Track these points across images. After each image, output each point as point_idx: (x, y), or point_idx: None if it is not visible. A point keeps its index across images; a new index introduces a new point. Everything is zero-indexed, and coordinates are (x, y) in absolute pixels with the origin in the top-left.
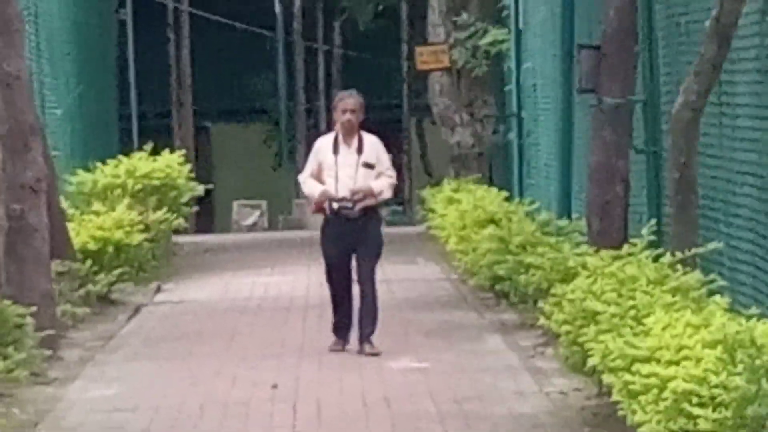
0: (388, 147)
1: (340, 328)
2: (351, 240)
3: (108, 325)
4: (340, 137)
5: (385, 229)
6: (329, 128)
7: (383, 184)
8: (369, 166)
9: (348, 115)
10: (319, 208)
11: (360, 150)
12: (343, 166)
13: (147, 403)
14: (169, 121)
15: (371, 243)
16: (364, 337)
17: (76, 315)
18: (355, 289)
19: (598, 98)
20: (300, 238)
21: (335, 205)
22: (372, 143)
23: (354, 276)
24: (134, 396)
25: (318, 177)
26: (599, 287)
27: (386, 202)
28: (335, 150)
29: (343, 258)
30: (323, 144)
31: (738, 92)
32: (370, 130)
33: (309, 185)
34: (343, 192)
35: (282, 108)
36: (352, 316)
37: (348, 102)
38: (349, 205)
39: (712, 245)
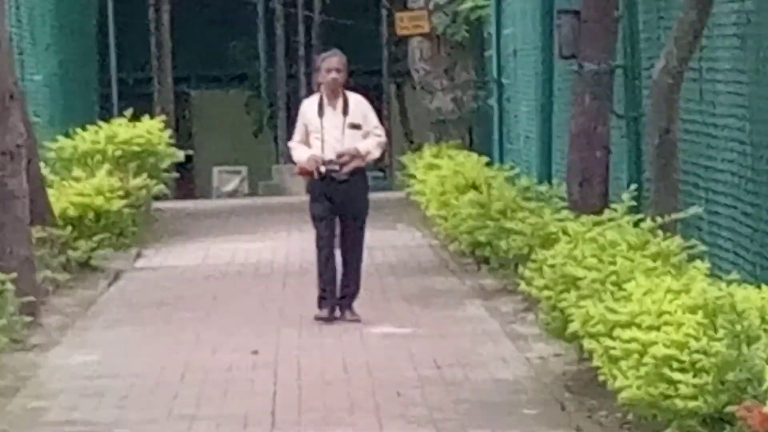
0: None
1: (325, 298)
2: (337, 202)
3: (88, 291)
4: (325, 99)
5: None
6: (310, 93)
7: (370, 144)
8: (356, 126)
9: (333, 74)
10: (304, 171)
11: (345, 110)
12: (329, 128)
13: (127, 370)
14: (149, 87)
15: (358, 207)
16: (345, 304)
17: (57, 281)
18: (338, 256)
19: (579, 64)
20: (280, 203)
21: (323, 168)
22: (358, 102)
23: (337, 242)
24: (115, 362)
25: (305, 140)
26: (580, 252)
27: (367, 167)
28: (320, 112)
29: (329, 220)
30: (308, 106)
31: (718, 57)
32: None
33: (298, 151)
34: (330, 154)
35: (262, 74)
36: (336, 284)
37: (332, 61)
38: (337, 167)
39: (692, 210)
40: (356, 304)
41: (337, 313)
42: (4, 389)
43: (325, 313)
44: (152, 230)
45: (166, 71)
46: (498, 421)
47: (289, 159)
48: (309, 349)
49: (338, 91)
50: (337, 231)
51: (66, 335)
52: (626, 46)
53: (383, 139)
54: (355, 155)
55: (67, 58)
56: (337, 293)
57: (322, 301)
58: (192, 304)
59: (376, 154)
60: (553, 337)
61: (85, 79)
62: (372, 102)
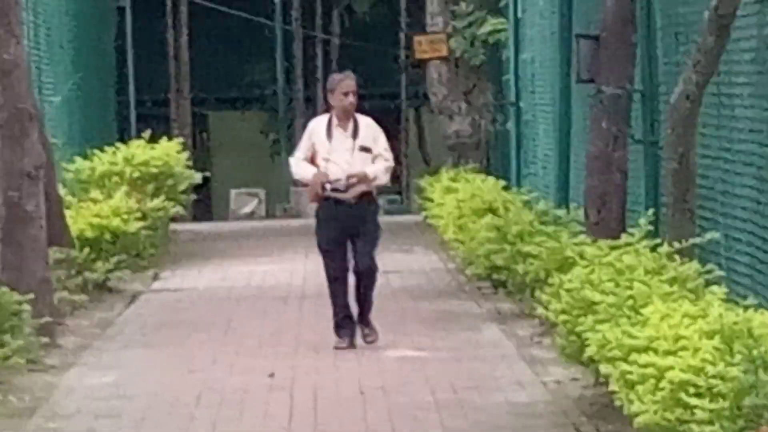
0: (387, 136)
1: (343, 327)
2: (346, 227)
3: (105, 312)
4: (335, 120)
5: (382, 218)
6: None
7: (378, 168)
8: (366, 149)
9: (351, 98)
10: (317, 197)
11: (356, 133)
12: (338, 151)
13: (144, 391)
14: (167, 109)
15: (367, 232)
16: (362, 321)
17: (74, 302)
18: (351, 280)
19: (597, 88)
20: (297, 226)
21: (328, 186)
22: (368, 126)
23: (350, 266)
24: (131, 383)
25: (312, 161)
26: (597, 277)
27: (382, 190)
28: (329, 134)
29: (338, 246)
30: (317, 126)
31: (736, 83)
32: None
33: (301, 167)
34: (336, 174)
35: (280, 96)
36: (352, 315)
37: (349, 84)
38: (342, 188)
39: (709, 235)
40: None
41: (357, 340)
42: (20, 410)
43: (345, 342)
44: (169, 252)
45: (184, 93)
46: None
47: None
48: (325, 372)
49: (350, 114)
50: (349, 255)
51: (83, 356)
52: (644, 71)
53: (391, 163)
54: (363, 179)
55: (85, 80)
56: (354, 317)
57: (339, 330)
58: (208, 326)
59: (383, 179)
60: (570, 361)
61: (103, 100)
62: (390, 125)
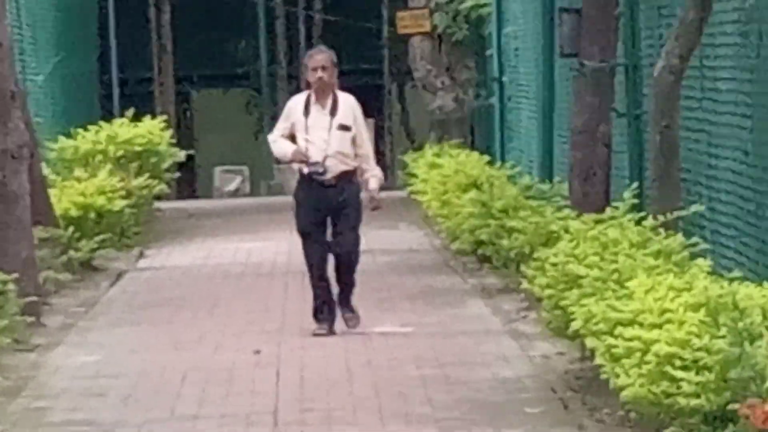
0: (370, 112)
1: (322, 312)
2: (326, 209)
3: (90, 291)
4: (313, 97)
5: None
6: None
7: (376, 183)
8: (345, 128)
9: (319, 73)
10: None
11: (334, 111)
12: (316, 128)
13: (130, 369)
14: (150, 87)
15: (349, 214)
16: (342, 301)
17: (59, 281)
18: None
19: (580, 62)
20: (282, 203)
21: (305, 170)
22: (348, 103)
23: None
24: (117, 362)
25: (291, 139)
26: (582, 251)
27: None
28: (306, 111)
29: (317, 228)
30: (295, 103)
31: (719, 55)
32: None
33: (279, 145)
34: (316, 156)
35: (263, 74)
36: (332, 299)
37: (318, 59)
38: (321, 169)
39: (694, 208)
40: (358, 302)
41: (336, 328)
42: (6, 389)
43: (324, 329)
44: (154, 230)
45: (167, 71)
46: (501, 420)
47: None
48: (311, 349)
49: (327, 89)
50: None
51: (68, 335)
52: (627, 44)
53: (380, 174)
54: (377, 204)
55: (68, 58)
56: (334, 301)
57: (319, 315)
58: (194, 304)
59: (380, 176)
60: (556, 335)
61: (86, 79)
62: (373, 101)
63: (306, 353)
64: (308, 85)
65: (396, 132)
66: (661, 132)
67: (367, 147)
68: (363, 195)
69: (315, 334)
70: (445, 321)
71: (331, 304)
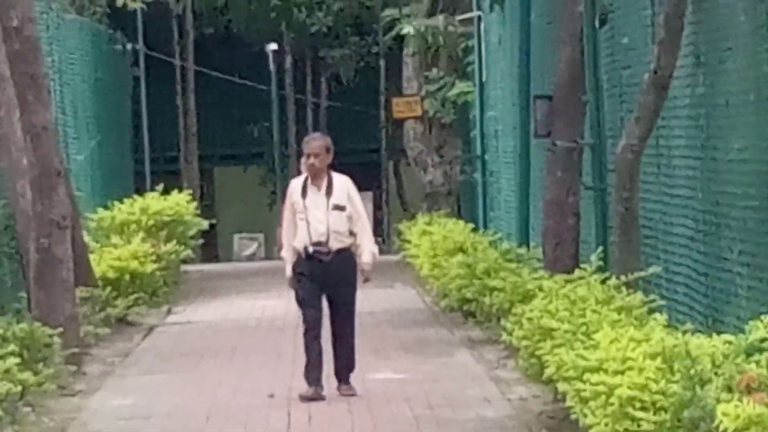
0: (369, 186)
1: (312, 376)
2: (324, 282)
3: (125, 343)
4: (309, 179)
5: None
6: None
7: (369, 258)
8: (340, 208)
9: (311, 160)
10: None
11: (329, 192)
12: (313, 209)
13: (160, 411)
14: (178, 165)
15: (345, 288)
16: (342, 378)
17: (98, 335)
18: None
19: (552, 142)
20: None
21: (311, 249)
22: (342, 183)
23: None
24: (148, 405)
25: (293, 221)
26: (554, 307)
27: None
28: (304, 193)
29: (314, 296)
30: (294, 186)
31: (674, 135)
32: (350, 171)
33: (285, 250)
34: (315, 235)
35: (276, 153)
36: (322, 363)
37: (311, 146)
38: (325, 249)
39: (652, 269)
40: (358, 351)
41: (324, 392)
42: (51, 430)
43: (311, 392)
44: (181, 290)
45: (192, 151)
46: None
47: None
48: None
49: (320, 173)
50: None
51: (106, 382)
52: (593, 127)
53: (375, 250)
54: (369, 273)
55: (105, 140)
56: (323, 372)
57: (308, 378)
58: (215, 354)
59: (376, 251)
60: (532, 380)
61: (122, 157)
62: (372, 176)
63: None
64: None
65: (392, 203)
66: (623, 203)
67: (364, 222)
68: (359, 267)
69: (302, 397)
70: (435, 368)
71: (320, 367)
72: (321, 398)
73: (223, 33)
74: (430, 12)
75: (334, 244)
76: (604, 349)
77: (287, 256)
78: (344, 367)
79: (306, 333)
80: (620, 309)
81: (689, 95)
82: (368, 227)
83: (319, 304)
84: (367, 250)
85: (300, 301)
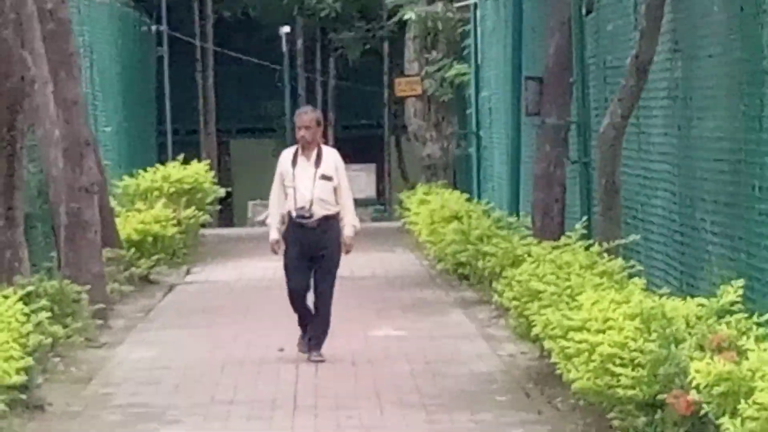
0: (373, 158)
1: (303, 334)
2: (310, 248)
3: (147, 300)
4: (300, 150)
5: (370, 224)
6: (325, 144)
7: (351, 231)
8: (327, 178)
9: (302, 132)
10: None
11: (318, 163)
12: (302, 178)
13: (178, 362)
14: (197, 137)
15: (328, 256)
16: (313, 346)
17: (122, 292)
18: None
19: (541, 120)
20: None
21: (294, 214)
22: (330, 156)
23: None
24: (168, 356)
25: (281, 190)
26: (541, 271)
27: (370, 202)
28: (294, 162)
29: (300, 262)
30: (285, 156)
31: (652, 115)
32: (355, 144)
33: (270, 216)
34: (301, 202)
35: (287, 126)
36: (311, 319)
37: (303, 119)
38: (307, 215)
39: (631, 237)
40: (362, 311)
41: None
42: (79, 378)
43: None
44: (199, 252)
45: (211, 124)
46: (475, 405)
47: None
48: (324, 347)
49: (311, 145)
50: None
51: (129, 335)
52: (579, 106)
53: (357, 223)
54: (350, 247)
55: (131, 114)
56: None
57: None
58: (230, 311)
59: (357, 224)
60: (520, 338)
61: (146, 130)
62: (376, 149)
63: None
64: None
65: (393, 174)
66: (606, 176)
67: (347, 197)
68: (341, 239)
69: (300, 350)
70: (431, 326)
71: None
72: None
73: (240, 16)
74: None
75: (319, 211)
76: (586, 310)
77: (272, 222)
78: (320, 332)
79: (291, 300)
80: (602, 273)
81: (667, 78)
82: (350, 201)
83: (305, 273)
84: (349, 224)
85: (287, 268)
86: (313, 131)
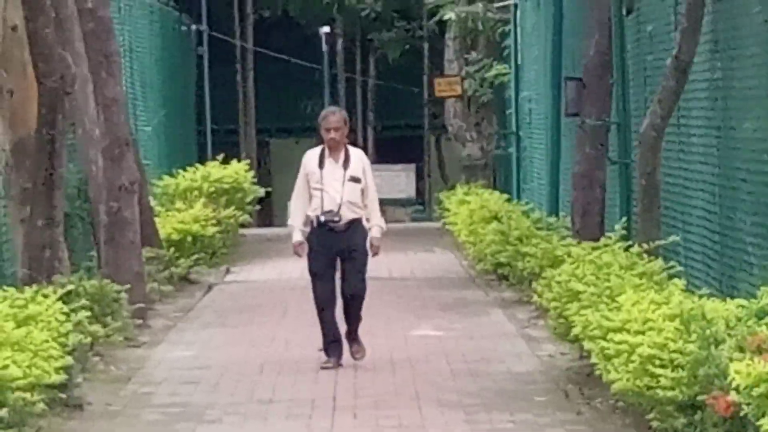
0: (413, 158)
1: (331, 348)
2: (336, 252)
3: (187, 299)
4: (327, 151)
5: (409, 225)
6: (365, 144)
7: (378, 232)
8: (355, 179)
9: (332, 134)
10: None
11: (346, 164)
12: (330, 180)
13: (218, 362)
14: (237, 136)
15: (357, 258)
16: (351, 337)
17: (162, 291)
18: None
19: (581, 120)
20: None
21: (322, 218)
22: (358, 157)
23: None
24: (207, 356)
25: (305, 192)
26: (581, 271)
27: (410, 203)
28: (321, 164)
29: (327, 267)
30: (310, 157)
31: (692, 116)
32: (395, 144)
33: (292, 219)
34: (329, 205)
35: None
36: (340, 337)
37: (330, 120)
38: (336, 218)
39: (671, 238)
40: (402, 311)
41: (342, 361)
42: (119, 377)
43: (332, 363)
44: (238, 251)
45: (251, 124)
46: (514, 405)
47: None
48: (364, 346)
49: (339, 147)
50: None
51: (169, 335)
52: (619, 106)
53: (383, 225)
54: (377, 248)
55: (171, 113)
56: (341, 338)
57: (328, 351)
58: (269, 310)
59: (383, 225)
60: (559, 339)
61: (186, 129)
62: (416, 150)
63: None
64: (323, 140)
65: (433, 174)
66: (646, 177)
67: (373, 198)
68: (368, 241)
69: (323, 367)
70: (470, 326)
71: (339, 340)
72: (340, 366)
73: (280, 16)
74: None
75: (347, 214)
76: (626, 310)
77: (295, 223)
78: (353, 331)
79: (319, 310)
80: (642, 274)
81: (708, 79)
82: (377, 202)
83: (331, 278)
84: (376, 226)
85: (313, 273)
86: (342, 132)
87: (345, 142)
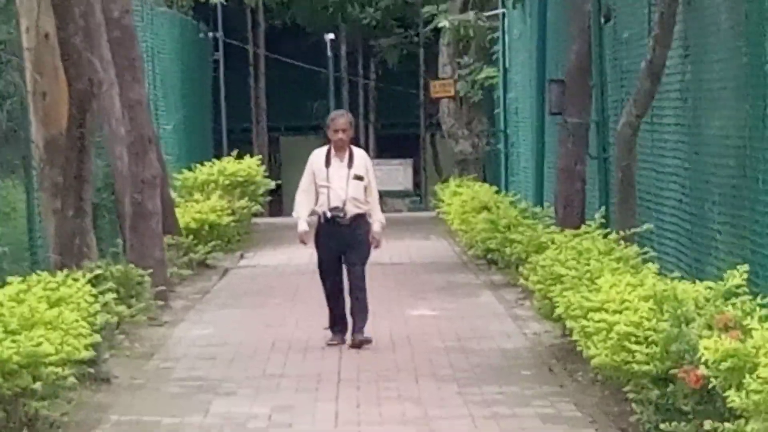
0: (410, 154)
1: (337, 327)
2: (341, 243)
3: (204, 283)
4: (332, 151)
5: (406, 214)
6: (366, 141)
7: (379, 227)
8: (359, 178)
9: (340, 134)
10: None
11: (350, 163)
12: (335, 178)
13: (233, 340)
14: (250, 134)
15: (360, 249)
16: (357, 329)
17: (182, 275)
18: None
19: (564, 119)
20: None
21: (329, 213)
22: (361, 157)
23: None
24: (223, 334)
25: (311, 188)
26: (563, 256)
27: (407, 194)
28: (327, 163)
29: (333, 259)
30: (317, 156)
31: (665, 115)
32: (394, 141)
33: (298, 210)
34: (336, 201)
35: None
36: (345, 316)
37: (339, 122)
38: (341, 213)
39: (645, 226)
40: (401, 294)
41: (347, 337)
42: (142, 354)
43: (336, 339)
44: (251, 239)
45: (262, 122)
46: (503, 379)
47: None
48: (366, 327)
49: (345, 146)
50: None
51: (188, 315)
52: (598, 106)
53: (383, 220)
54: (378, 241)
55: (189, 113)
56: (347, 319)
57: (333, 329)
58: (280, 293)
59: (383, 219)
60: (544, 318)
61: (203, 128)
62: (412, 146)
63: None
64: (329, 140)
65: (429, 169)
66: (622, 171)
67: (375, 195)
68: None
69: (328, 344)
70: (463, 307)
71: (345, 319)
72: (344, 342)
73: (289, 24)
74: (462, 9)
75: (352, 209)
76: (605, 292)
77: (301, 214)
78: (362, 319)
79: (327, 295)
80: (619, 259)
81: (679, 81)
82: (377, 199)
83: (338, 270)
84: (377, 221)
85: (321, 266)
86: (348, 133)
87: (349, 143)
